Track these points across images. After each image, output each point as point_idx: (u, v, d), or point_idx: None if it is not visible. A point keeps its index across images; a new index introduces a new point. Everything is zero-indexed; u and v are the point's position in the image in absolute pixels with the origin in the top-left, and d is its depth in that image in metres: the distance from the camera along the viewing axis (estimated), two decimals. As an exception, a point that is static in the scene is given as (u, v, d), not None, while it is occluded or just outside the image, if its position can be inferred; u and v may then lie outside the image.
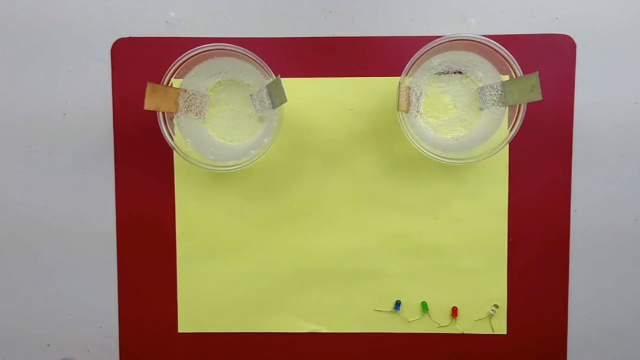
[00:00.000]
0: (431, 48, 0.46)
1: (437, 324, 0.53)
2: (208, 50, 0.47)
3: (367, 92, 0.52)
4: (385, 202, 0.52)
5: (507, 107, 0.49)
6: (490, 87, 0.49)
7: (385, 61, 0.52)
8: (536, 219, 0.52)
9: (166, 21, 0.52)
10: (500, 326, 0.53)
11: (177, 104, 0.49)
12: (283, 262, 0.53)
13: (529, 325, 0.53)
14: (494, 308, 0.53)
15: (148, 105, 0.45)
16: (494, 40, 0.46)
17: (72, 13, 0.52)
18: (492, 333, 0.53)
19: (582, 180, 0.52)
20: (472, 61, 0.49)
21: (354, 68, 0.52)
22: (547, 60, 0.52)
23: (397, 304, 0.53)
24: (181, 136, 0.49)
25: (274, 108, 0.48)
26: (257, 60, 0.47)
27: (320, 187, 0.53)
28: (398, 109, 0.46)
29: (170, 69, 0.47)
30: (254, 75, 0.50)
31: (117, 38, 0.52)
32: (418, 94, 0.50)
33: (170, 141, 0.48)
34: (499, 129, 0.49)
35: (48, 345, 0.54)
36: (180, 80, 0.49)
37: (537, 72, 0.44)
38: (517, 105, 0.47)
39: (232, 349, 0.54)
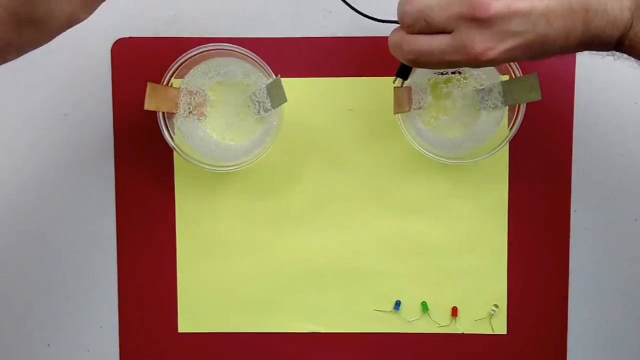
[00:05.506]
0: (431, 48, 0.46)
1: (437, 324, 0.53)
2: (208, 50, 0.47)
3: (367, 92, 0.52)
4: (385, 202, 0.52)
5: (507, 107, 0.49)
6: (490, 87, 0.49)
7: (385, 61, 0.51)
8: (536, 219, 0.52)
9: (166, 21, 0.52)
10: (500, 326, 0.53)
11: (177, 104, 0.49)
12: (283, 262, 0.53)
13: (529, 325, 0.53)
14: (494, 308, 0.53)
15: (148, 105, 0.45)
16: (493, 40, 0.46)
17: (72, 13, 0.52)
18: (492, 333, 0.53)
19: (582, 180, 0.52)
20: (472, 61, 0.49)
21: (354, 68, 0.52)
22: (547, 60, 0.51)
23: (397, 304, 0.53)
24: (181, 136, 0.49)
25: (274, 108, 0.48)
26: (257, 60, 0.47)
27: (320, 187, 0.53)
28: (394, 112, 0.46)
29: (170, 69, 0.47)
30: (254, 75, 0.50)
31: (117, 38, 0.52)
32: (418, 94, 0.50)
33: (170, 141, 0.48)
34: (499, 129, 0.49)
35: (48, 345, 0.54)
36: (180, 80, 0.49)
37: (537, 72, 0.44)
38: (517, 105, 0.47)
39: (232, 349, 0.54)
